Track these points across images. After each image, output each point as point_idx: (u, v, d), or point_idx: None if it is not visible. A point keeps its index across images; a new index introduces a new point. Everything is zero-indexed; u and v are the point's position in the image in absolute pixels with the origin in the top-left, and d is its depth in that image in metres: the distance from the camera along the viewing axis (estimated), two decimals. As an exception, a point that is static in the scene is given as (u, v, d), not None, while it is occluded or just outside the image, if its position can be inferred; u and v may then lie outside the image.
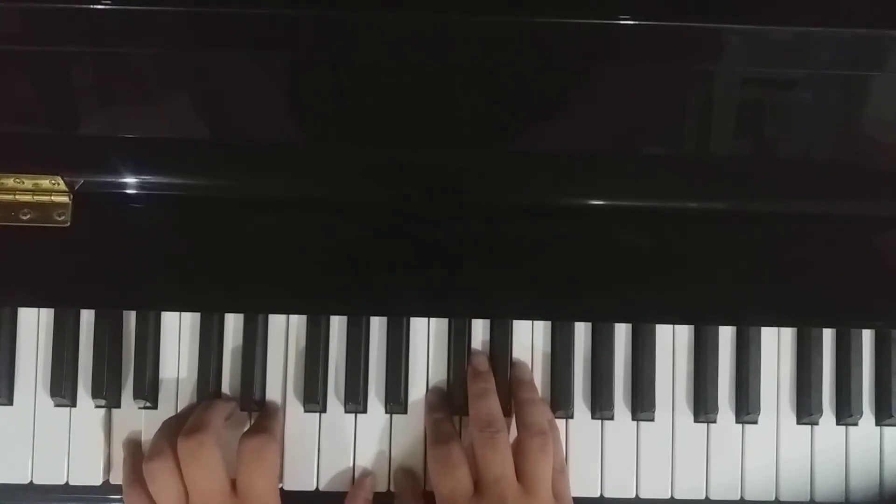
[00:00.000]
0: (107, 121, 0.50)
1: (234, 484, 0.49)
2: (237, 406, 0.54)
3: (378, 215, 0.52)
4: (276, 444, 0.51)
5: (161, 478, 0.48)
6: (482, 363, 0.54)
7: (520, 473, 0.49)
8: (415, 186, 0.53)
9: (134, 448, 0.53)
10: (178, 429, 0.49)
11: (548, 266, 0.52)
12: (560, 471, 0.52)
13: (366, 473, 0.54)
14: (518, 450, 0.50)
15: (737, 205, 0.53)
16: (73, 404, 0.54)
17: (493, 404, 0.51)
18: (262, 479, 0.49)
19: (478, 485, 0.49)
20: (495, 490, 0.48)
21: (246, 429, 0.53)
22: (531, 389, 0.54)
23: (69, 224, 0.52)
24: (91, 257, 0.52)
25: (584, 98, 0.50)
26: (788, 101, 0.49)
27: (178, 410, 0.54)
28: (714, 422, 0.55)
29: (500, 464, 0.49)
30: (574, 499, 0.52)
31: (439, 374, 0.55)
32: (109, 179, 0.52)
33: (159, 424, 0.53)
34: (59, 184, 0.51)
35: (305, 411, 0.54)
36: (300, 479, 0.54)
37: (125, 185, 0.52)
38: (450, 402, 0.54)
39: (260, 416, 0.53)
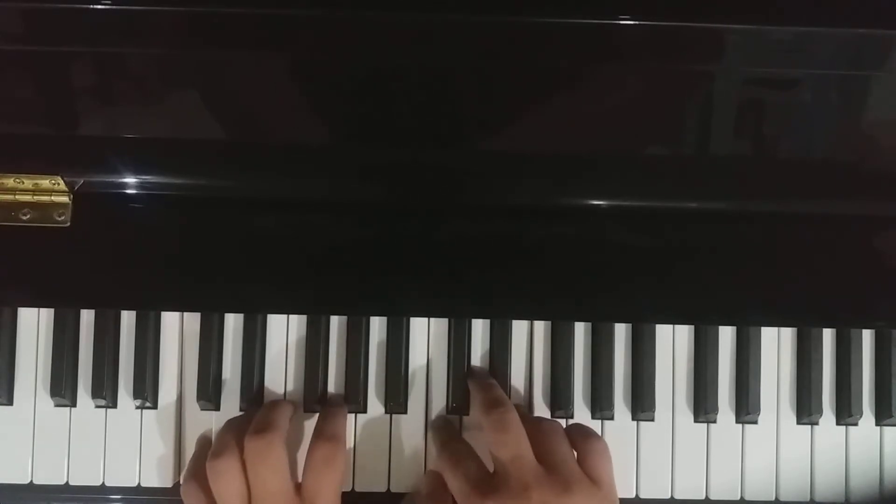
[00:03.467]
0: (107, 121, 0.50)
1: (297, 487, 0.48)
2: (298, 408, 0.54)
3: (378, 215, 0.52)
4: (345, 452, 0.50)
5: (226, 476, 0.47)
6: (484, 370, 0.54)
7: (538, 455, 0.47)
8: (415, 186, 0.53)
9: (201, 444, 0.53)
10: (243, 427, 0.49)
11: (548, 266, 0.52)
12: (600, 453, 0.49)
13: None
14: (531, 436, 0.48)
15: (737, 205, 0.53)
16: (73, 404, 0.54)
17: (499, 391, 0.51)
18: (329, 487, 0.48)
19: (495, 471, 0.47)
20: (514, 469, 0.45)
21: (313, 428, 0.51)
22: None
23: (69, 224, 0.52)
24: (91, 257, 0.52)
25: (583, 98, 0.50)
26: (788, 101, 0.49)
27: (178, 411, 0.54)
28: (714, 422, 0.55)
29: (515, 442, 0.46)
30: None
31: (439, 374, 0.55)
32: (109, 179, 0.52)
33: (158, 424, 0.53)
34: (59, 184, 0.51)
35: (305, 411, 0.54)
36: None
37: (125, 185, 0.52)
38: (449, 402, 0.54)
39: (327, 417, 0.52)
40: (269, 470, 0.47)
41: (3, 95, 0.49)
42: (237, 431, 0.49)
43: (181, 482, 0.51)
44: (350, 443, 0.54)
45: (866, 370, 0.55)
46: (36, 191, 0.52)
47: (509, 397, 0.54)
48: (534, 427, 0.49)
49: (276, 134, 0.51)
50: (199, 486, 0.48)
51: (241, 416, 0.53)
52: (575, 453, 0.49)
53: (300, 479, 0.49)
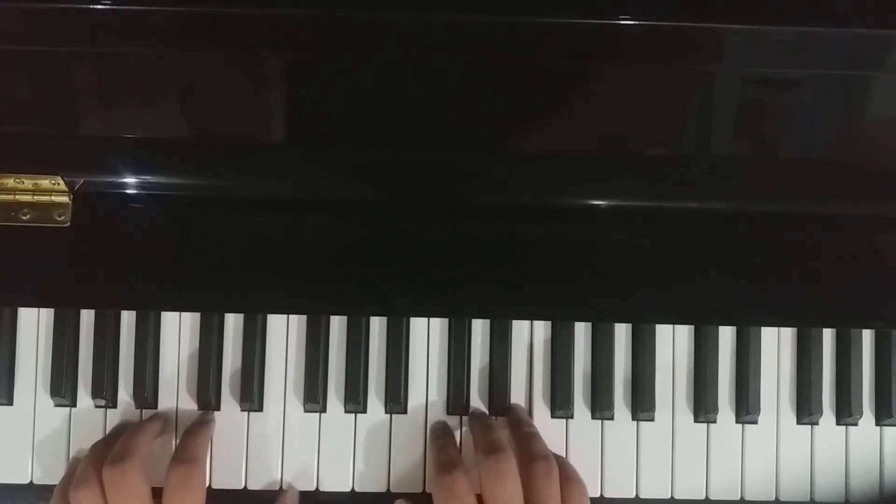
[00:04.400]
0: (107, 121, 0.50)
1: None
2: (166, 423, 0.53)
3: (378, 215, 0.52)
4: (203, 471, 0.49)
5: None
6: (482, 412, 0.54)
7: (528, 500, 0.47)
8: (415, 187, 0.53)
9: (70, 469, 0.52)
10: (105, 454, 0.49)
11: (548, 266, 0.52)
12: (580, 496, 0.49)
13: (289, 488, 0.54)
14: (523, 479, 0.48)
15: (737, 205, 0.53)
16: (73, 404, 0.54)
17: (500, 435, 0.50)
18: None
19: None
20: None
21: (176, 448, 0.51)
22: (531, 425, 0.53)
23: (69, 224, 0.52)
24: (91, 257, 0.52)
25: (583, 98, 0.50)
26: (788, 101, 0.49)
27: (178, 411, 0.54)
28: (714, 422, 0.55)
29: (509, 494, 0.47)
30: (574, 499, 0.52)
31: (439, 374, 0.55)
32: (109, 179, 0.52)
33: (159, 424, 0.53)
34: (59, 184, 0.51)
35: (305, 411, 0.54)
36: (300, 478, 0.54)
37: (125, 185, 0.52)
38: (448, 402, 0.54)
39: (186, 436, 0.52)
40: (125, 499, 0.47)
41: (3, 95, 0.49)
42: (98, 458, 0.49)
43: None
44: (350, 443, 0.54)
45: (866, 370, 0.55)
46: (36, 191, 0.52)
47: (509, 397, 0.55)
48: (528, 467, 0.48)
49: (276, 134, 0.51)
50: None
51: (104, 439, 0.52)
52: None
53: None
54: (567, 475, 0.49)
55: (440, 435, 0.53)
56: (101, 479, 0.47)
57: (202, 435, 0.52)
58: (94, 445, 0.51)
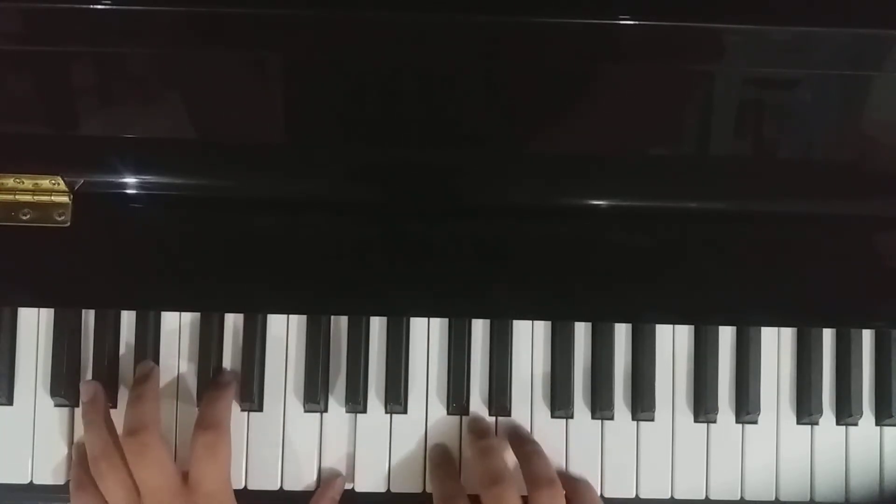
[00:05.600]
0: (107, 121, 0.50)
1: (185, 475, 0.49)
2: (157, 375, 0.53)
3: (378, 215, 0.52)
4: (228, 437, 0.50)
5: (111, 476, 0.48)
6: (483, 422, 0.54)
7: None
8: (415, 186, 0.53)
9: (82, 451, 0.52)
10: (111, 424, 0.50)
11: (548, 266, 0.52)
12: (585, 491, 0.50)
13: (335, 474, 0.54)
14: (531, 494, 0.48)
15: (736, 205, 0.53)
16: (73, 404, 0.54)
17: (499, 461, 0.50)
18: (214, 475, 0.48)
19: None
20: None
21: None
22: (534, 443, 0.53)
23: (69, 224, 0.52)
24: (91, 257, 0.52)
25: (583, 98, 0.50)
26: (788, 101, 0.49)
27: (177, 411, 0.54)
28: (714, 422, 0.55)
29: None
30: (575, 499, 0.52)
31: (439, 374, 0.55)
32: (109, 179, 0.52)
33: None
34: (59, 184, 0.51)
35: (305, 411, 0.54)
36: (300, 478, 0.54)
37: (125, 185, 0.52)
38: (449, 402, 0.54)
39: (209, 403, 0.51)
40: (149, 469, 0.48)
41: (4, 95, 0.49)
42: (109, 430, 0.50)
43: (70, 490, 0.51)
44: (350, 443, 0.54)
45: (866, 370, 0.55)
46: (36, 191, 0.52)
47: (510, 398, 0.54)
48: (534, 495, 0.48)
49: (276, 134, 0.51)
50: (90, 491, 0.49)
51: (108, 411, 0.52)
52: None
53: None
54: (576, 490, 0.50)
55: (440, 462, 0.53)
56: (121, 451, 0.48)
57: (223, 398, 0.52)
58: (101, 420, 0.51)
